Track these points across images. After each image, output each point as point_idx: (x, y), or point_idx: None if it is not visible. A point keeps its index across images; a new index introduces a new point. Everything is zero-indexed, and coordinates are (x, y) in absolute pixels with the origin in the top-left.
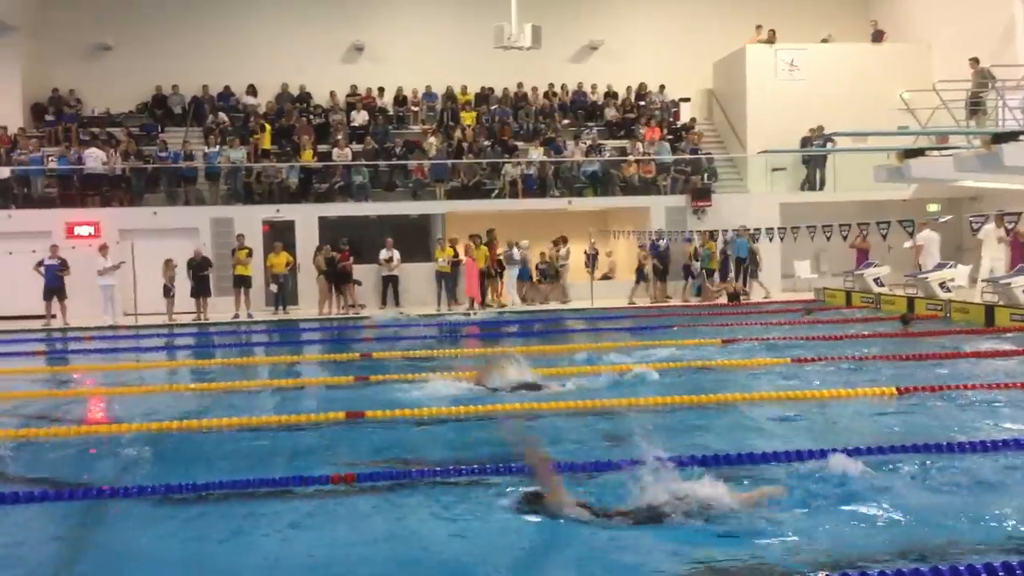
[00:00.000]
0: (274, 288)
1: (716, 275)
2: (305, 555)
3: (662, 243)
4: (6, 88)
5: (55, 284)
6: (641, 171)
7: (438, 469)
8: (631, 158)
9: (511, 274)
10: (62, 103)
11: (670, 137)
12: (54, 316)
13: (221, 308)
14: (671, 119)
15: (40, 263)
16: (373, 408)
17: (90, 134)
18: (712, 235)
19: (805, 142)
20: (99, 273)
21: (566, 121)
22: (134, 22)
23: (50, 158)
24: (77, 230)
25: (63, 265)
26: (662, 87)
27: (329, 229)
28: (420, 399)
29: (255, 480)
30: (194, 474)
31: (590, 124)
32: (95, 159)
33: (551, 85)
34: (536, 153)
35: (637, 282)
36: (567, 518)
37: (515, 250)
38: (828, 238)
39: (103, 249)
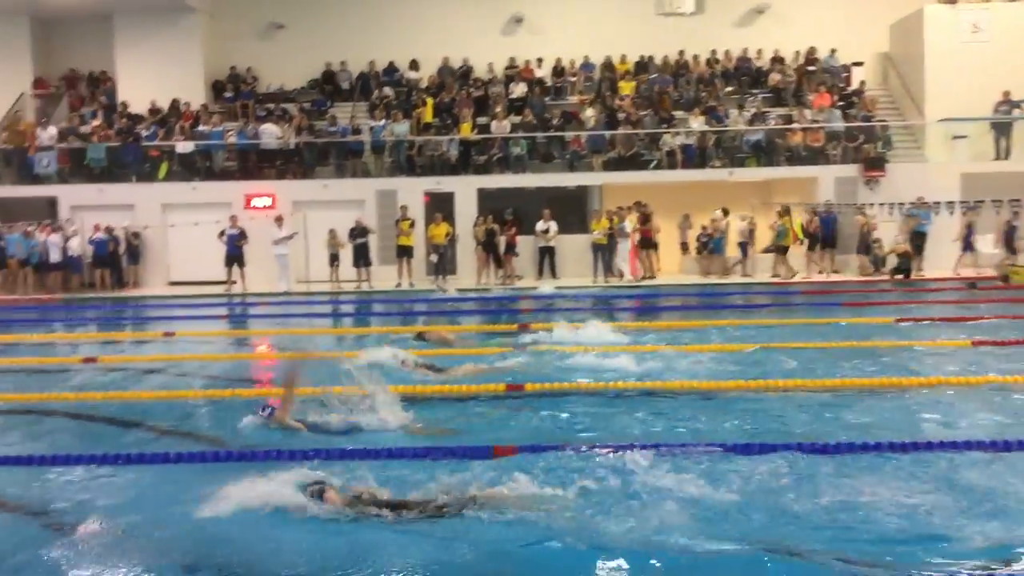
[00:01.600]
0: (434, 258)
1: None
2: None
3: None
4: (189, 67)
5: (235, 252)
6: (808, 140)
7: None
8: (798, 126)
9: (622, 247)
10: (240, 80)
11: (841, 104)
12: (234, 282)
13: (384, 276)
14: (842, 85)
15: (222, 232)
16: (532, 381)
17: (266, 110)
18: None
19: (996, 107)
20: (274, 243)
21: (729, 89)
22: (305, 2)
23: (229, 133)
24: (254, 201)
25: (242, 234)
26: (833, 51)
27: (487, 200)
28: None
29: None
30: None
31: (754, 91)
32: (270, 134)
33: (713, 52)
34: (696, 122)
35: (810, 248)
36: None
37: (626, 223)
38: (1016, 212)
39: (279, 220)
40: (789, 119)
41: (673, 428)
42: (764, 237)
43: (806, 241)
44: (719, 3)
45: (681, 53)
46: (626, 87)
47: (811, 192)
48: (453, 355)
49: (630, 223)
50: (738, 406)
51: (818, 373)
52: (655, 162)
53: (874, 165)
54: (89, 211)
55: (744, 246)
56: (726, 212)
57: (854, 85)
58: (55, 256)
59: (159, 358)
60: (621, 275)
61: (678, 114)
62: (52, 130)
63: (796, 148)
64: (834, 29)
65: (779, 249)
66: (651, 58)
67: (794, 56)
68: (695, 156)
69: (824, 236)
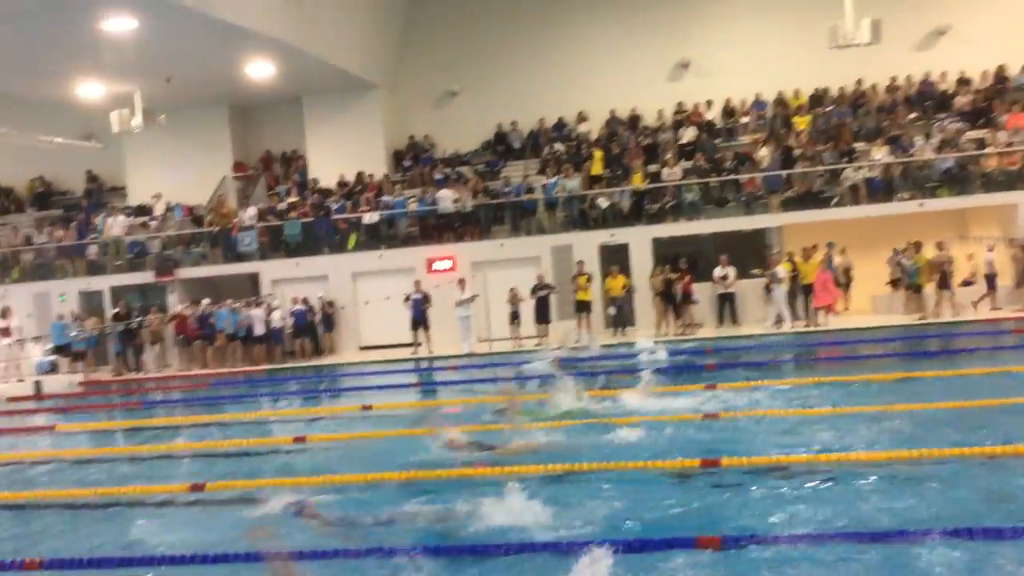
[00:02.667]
0: (612, 311)
1: None
2: None
3: None
4: (371, 140)
5: (420, 316)
6: (1004, 163)
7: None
8: (991, 150)
9: (777, 295)
10: (418, 148)
11: None
12: (420, 345)
13: (561, 331)
14: None
15: (407, 297)
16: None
17: (443, 174)
18: None
19: None
20: (457, 304)
21: (912, 115)
22: (476, 68)
23: (411, 200)
24: (436, 265)
25: (426, 298)
26: None
27: (663, 249)
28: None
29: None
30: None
31: (941, 116)
32: (447, 198)
33: (893, 78)
34: (880, 153)
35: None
36: None
37: (779, 269)
38: None
39: (461, 283)
40: (981, 143)
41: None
42: (961, 271)
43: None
44: (896, 28)
45: (858, 82)
46: (801, 122)
47: (1011, 220)
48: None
49: (784, 268)
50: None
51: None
52: (837, 198)
53: None
54: (288, 284)
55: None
56: (918, 247)
57: None
58: (259, 329)
59: (360, 435)
60: (780, 322)
61: (859, 146)
62: (252, 210)
63: (992, 173)
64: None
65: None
66: (826, 90)
67: (982, 76)
68: (880, 189)
69: None
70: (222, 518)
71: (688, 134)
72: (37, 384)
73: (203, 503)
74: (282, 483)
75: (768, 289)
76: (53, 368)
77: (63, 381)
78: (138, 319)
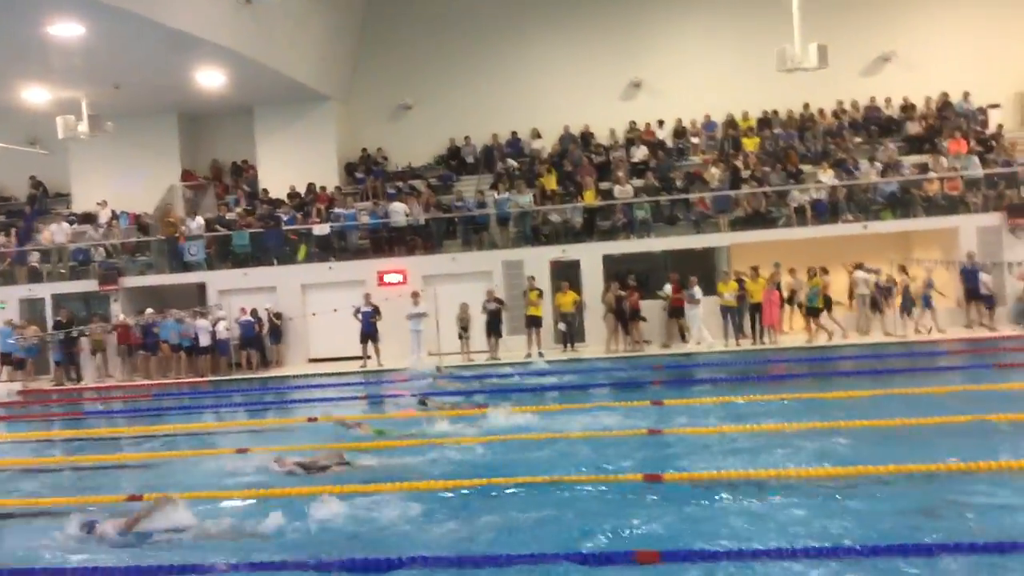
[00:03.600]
0: (562, 327)
1: None
2: None
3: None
4: (323, 151)
5: (370, 329)
6: (946, 188)
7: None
8: (934, 175)
9: (691, 315)
10: (370, 161)
11: (979, 149)
12: (369, 357)
13: (512, 346)
14: (978, 129)
15: (357, 310)
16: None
17: (395, 188)
18: None
19: None
20: (408, 317)
21: (858, 139)
22: (430, 82)
23: (362, 213)
24: (387, 277)
25: (376, 311)
26: (966, 94)
27: (613, 265)
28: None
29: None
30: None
31: (885, 141)
32: (399, 212)
33: (840, 102)
34: (826, 176)
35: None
36: None
37: (696, 289)
38: None
39: (415, 296)
40: (924, 168)
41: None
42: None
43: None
44: (843, 54)
45: (806, 106)
46: (750, 144)
47: (951, 243)
48: None
49: (698, 291)
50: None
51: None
52: (784, 219)
53: (1019, 212)
54: (235, 295)
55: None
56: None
57: (991, 128)
58: (204, 340)
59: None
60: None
61: (806, 168)
62: (199, 220)
63: (934, 198)
64: (967, 71)
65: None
66: (775, 112)
67: (925, 102)
68: (826, 211)
69: (971, 290)
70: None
71: (640, 152)
72: None
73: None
74: (219, 495)
75: (734, 307)
76: None
77: (1, 390)
78: (80, 328)
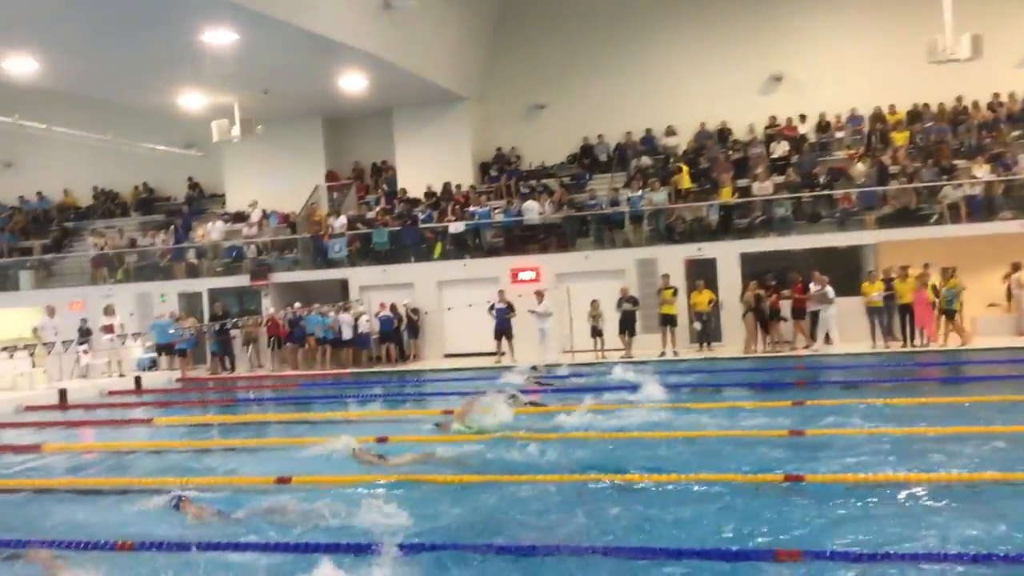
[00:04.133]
0: (698, 326)
1: None
2: None
3: None
4: (459, 151)
5: (503, 325)
6: None
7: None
8: None
9: (824, 316)
10: (504, 160)
11: None
12: (503, 354)
13: (647, 345)
14: None
15: (492, 306)
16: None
17: (528, 187)
18: None
19: None
20: (530, 311)
21: (1016, 133)
22: (564, 82)
23: (496, 211)
24: (520, 275)
25: (510, 308)
26: None
27: (751, 264)
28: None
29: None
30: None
31: None
32: (532, 210)
33: (996, 94)
34: (981, 171)
35: None
36: None
37: (828, 288)
38: None
39: (539, 295)
40: None
41: None
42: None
43: None
44: (998, 45)
45: (959, 99)
46: (899, 138)
47: None
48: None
49: (830, 290)
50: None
51: None
52: (936, 216)
53: None
54: (375, 290)
55: None
56: (1016, 267)
57: None
58: (347, 333)
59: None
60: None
61: (959, 163)
62: (343, 218)
63: None
64: None
65: None
66: (925, 106)
67: None
68: (981, 208)
69: None
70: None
71: (780, 148)
72: (137, 380)
73: (289, 492)
74: (360, 479)
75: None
76: (153, 365)
77: (162, 378)
78: (234, 321)
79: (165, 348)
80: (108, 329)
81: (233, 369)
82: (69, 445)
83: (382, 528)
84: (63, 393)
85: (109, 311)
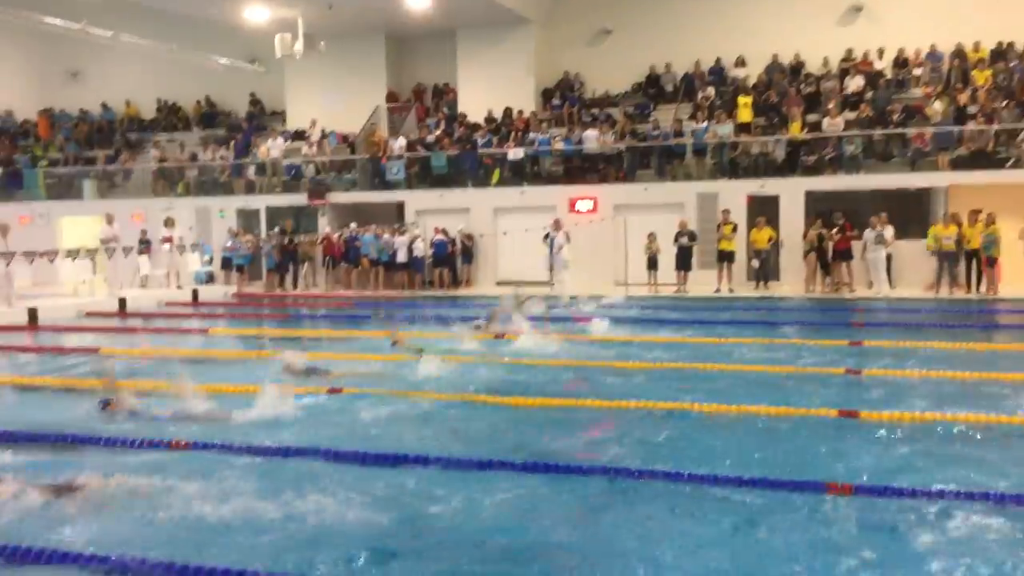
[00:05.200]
0: (755, 263)
1: None
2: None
3: None
4: (521, 76)
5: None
6: None
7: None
8: None
9: (873, 258)
10: (567, 87)
11: None
12: (555, 283)
13: (702, 281)
14: None
15: (547, 235)
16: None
17: (590, 115)
18: None
19: None
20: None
21: None
22: (633, 5)
23: (556, 139)
24: (578, 205)
25: (565, 237)
26: None
27: (816, 203)
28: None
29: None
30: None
31: None
32: (593, 139)
33: None
34: None
35: None
36: None
37: (886, 229)
38: None
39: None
40: None
41: None
42: None
43: None
44: None
45: None
46: (981, 77)
47: None
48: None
49: (889, 231)
50: None
51: None
52: (1013, 160)
53: None
54: (431, 215)
55: None
56: None
57: None
58: (402, 256)
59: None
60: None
61: None
62: (401, 140)
63: None
64: None
65: None
66: (1010, 44)
67: None
68: None
69: None
70: (352, 415)
71: (854, 83)
72: (195, 292)
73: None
74: (405, 394)
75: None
76: (210, 279)
77: (218, 291)
78: (290, 238)
79: (224, 263)
80: (167, 241)
81: (295, 286)
82: (127, 350)
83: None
84: (123, 301)
85: (169, 223)
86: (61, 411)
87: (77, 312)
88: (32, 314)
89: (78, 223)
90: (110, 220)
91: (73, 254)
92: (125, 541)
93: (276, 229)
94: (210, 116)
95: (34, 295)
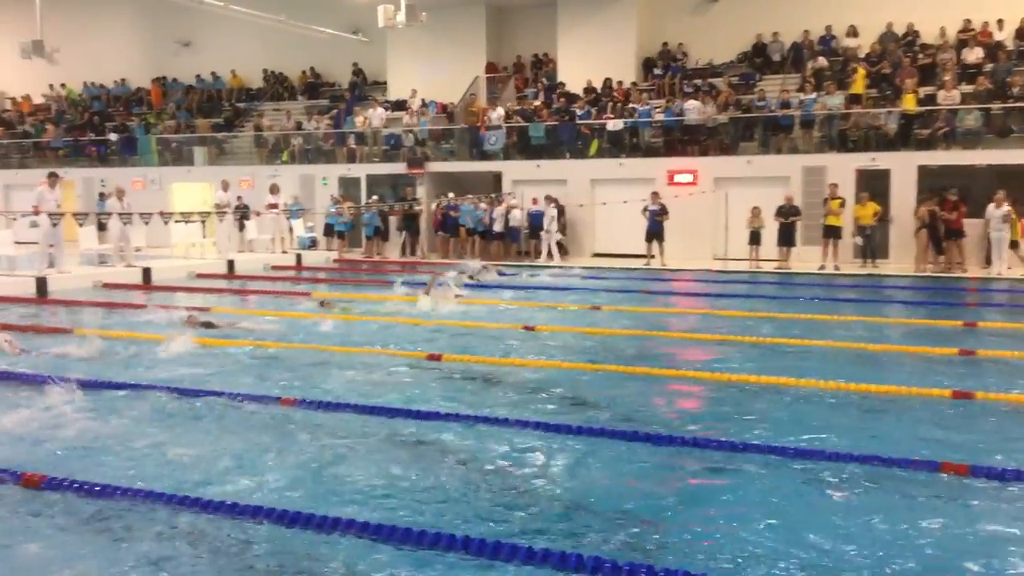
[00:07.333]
0: (859, 240)
1: None
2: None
3: None
4: (622, 45)
5: (655, 228)
6: None
7: None
8: None
9: (996, 237)
10: (669, 56)
11: None
12: (653, 256)
13: (806, 257)
14: None
15: (645, 208)
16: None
17: (693, 86)
18: None
19: None
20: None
21: None
22: None
23: (656, 110)
24: (677, 177)
25: (663, 210)
26: None
27: (929, 179)
28: None
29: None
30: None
31: None
32: (694, 110)
33: None
34: None
35: None
36: None
37: (1003, 207)
38: None
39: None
40: None
41: None
42: None
43: None
44: None
45: None
46: None
47: None
48: None
49: (1006, 209)
50: None
51: None
52: None
53: None
54: (528, 185)
55: None
56: None
57: None
58: (498, 226)
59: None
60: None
61: None
62: (500, 110)
63: None
64: None
65: None
66: None
67: None
68: None
69: None
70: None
71: (973, 55)
72: (298, 257)
73: (439, 368)
74: (510, 363)
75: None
76: (313, 244)
77: (321, 257)
78: (389, 206)
79: (326, 229)
80: (272, 207)
81: (414, 253)
82: (236, 309)
83: None
84: (231, 264)
85: (274, 190)
86: None
87: (188, 273)
88: (146, 274)
89: (188, 189)
90: (225, 187)
91: (186, 217)
92: None
93: (374, 197)
94: (314, 86)
95: (147, 257)
